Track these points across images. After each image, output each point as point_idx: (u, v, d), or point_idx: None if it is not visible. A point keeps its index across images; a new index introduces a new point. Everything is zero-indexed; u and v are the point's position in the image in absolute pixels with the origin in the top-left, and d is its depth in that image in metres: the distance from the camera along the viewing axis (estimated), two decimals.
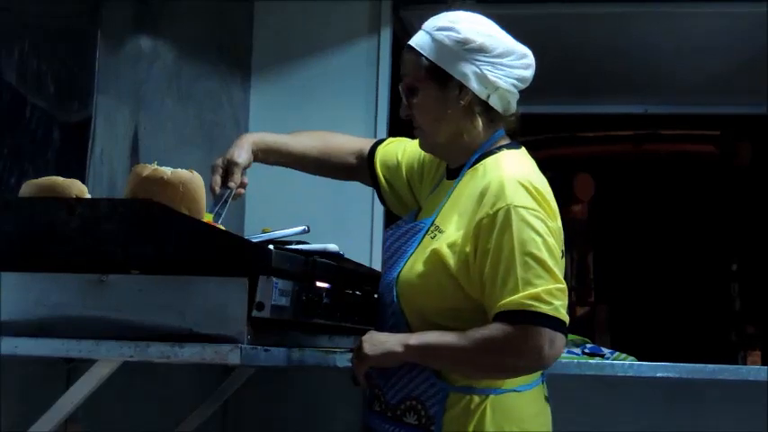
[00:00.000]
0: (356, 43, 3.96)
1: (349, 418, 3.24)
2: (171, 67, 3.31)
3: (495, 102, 2.13)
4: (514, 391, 2.07)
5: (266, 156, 2.49)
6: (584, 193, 6.40)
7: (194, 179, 2.16)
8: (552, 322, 1.96)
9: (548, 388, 2.22)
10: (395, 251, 2.18)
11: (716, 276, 6.14)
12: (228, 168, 2.42)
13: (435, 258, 2.06)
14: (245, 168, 2.43)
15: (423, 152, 2.31)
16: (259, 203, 3.84)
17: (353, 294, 2.40)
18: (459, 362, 2.04)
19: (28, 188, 2.14)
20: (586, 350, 3.36)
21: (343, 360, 2.37)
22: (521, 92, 2.20)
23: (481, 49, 2.10)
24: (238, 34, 3.94)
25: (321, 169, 2.55)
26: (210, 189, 2.41)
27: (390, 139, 2.48)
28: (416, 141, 2.30)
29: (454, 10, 2.18)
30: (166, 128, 3.31)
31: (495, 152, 2.15)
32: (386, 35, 3.90)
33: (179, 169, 2.16)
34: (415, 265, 2.10)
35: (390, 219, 2.83)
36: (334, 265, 2.32)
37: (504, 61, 2.12)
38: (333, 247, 2.36)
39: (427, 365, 2.08)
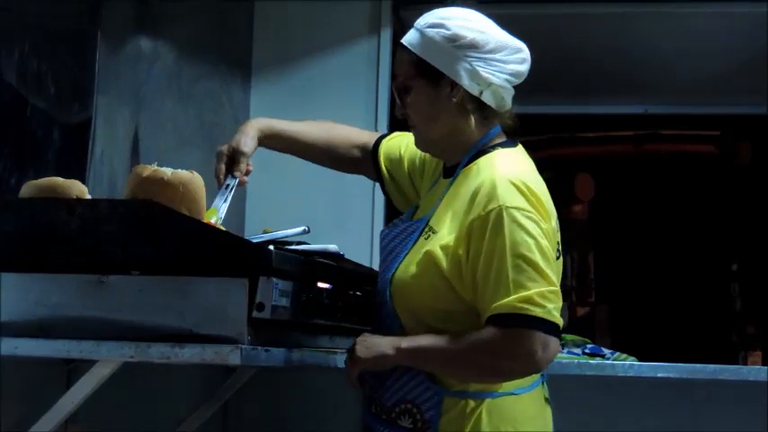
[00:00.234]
0: (356, 43, 3.96)
1: (349, 419, 3.23)
2: (171, 68, 3.31)
3: (488, 98, 2.10)
4: (511, 394, 2.05)
5: (272, 142, 2.47)
6: (585, 193, 6.40)
7: (194, 180, 2.16)
8: (545, 325, 1.94)
9: (548, 388, 2.22)
10: (390, 251, 2.17)
11: (716, 276, 6.13)
12: (234, 156, 2.40)
13: (428, 260, 2.05)
14: (249, 156, 2.41)
15: None
16: (260, 204, 3.84)
17: (354, 295, 2.40)
18: (452, 365, 2.04)
19: (28, 189, 2.14)
20: (587, 350, 3.36)
21: (343, 361, 2.37)
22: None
23: (472, 46, 2.08)
24: (238, 35, 3.94)
25: (325, 160, 2.53)
26: (215, 176, 2.40)
27: (395, 133, 2.46)
28: None
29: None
30: (166, 128, 3.31)
31: (490, 151, 2.12)
32: (386, 35, 3.90)
33: (179, 170, 2.16)
34: (408, 266, 2.08)
35: (390, 219, 2.83)
36: (334, 265, 2.32)
37: (496, 56, 2.09)
38: (333, 247, 2.36)
39: (420, 369, 2.07)
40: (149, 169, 2.13)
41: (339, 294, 2.34)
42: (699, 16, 4.14)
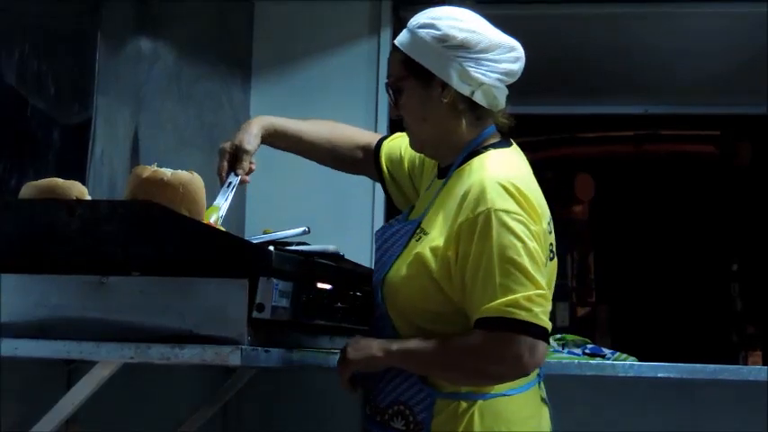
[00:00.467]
0: (356, 44, 3.96)
1: (349, 420, 3.23)
2: (171, 69, 3.31)
3: (479, 98, 2.08)
4: (504, 395, 2.04)
5: (275, 140, 2.46)
6: (585, 193, 6.40)
7: (194, 180, 2.16)
8: (532, 329, 1.93)
9: (548, 389, 2.21)
10: (384, 252, 2.17)
11: (716, 276, 6.13)
12: (237, 154, 2.39)
13: (418, 262, 2.04)
14: (252, 154, 2.41)
15: None
16: (260, 205, 3.84)
17: (354, 295, 2.40)
18: (440, 369, 2.04)
19: (28, 190, 2.14)
20: (587, 351, 3.36)
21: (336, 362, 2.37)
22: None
23: (462, 46, 2.06)
24: (238, 35, 3.94)
25: (328, 160, 2.52)
26: (217, 174, 2.40)
27: (397, 134, 2.45)
28: None
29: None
30: (166, 129, 3.31)
31: (483, 151, 2.11)
32: (386, 36, 3.90)
33: (179, 171, 2.16)
34: (400, 267, 2.08)
35: (390, 219, 2.83)
36: (334, 266, 2.32)
37: (487, 56, 2.07)
38: (333, 247, 2.36)
39: (410, 371, 2.07)
40: (149, 170, 2.13)
41: (339, 295, 2.34)
42: (699, 16, 4.14)
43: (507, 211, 1.97)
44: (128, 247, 1.94)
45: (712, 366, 3.13)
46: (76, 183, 2.16)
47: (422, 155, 2.31)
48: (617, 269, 6.31)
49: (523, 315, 1.92)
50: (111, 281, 1.92)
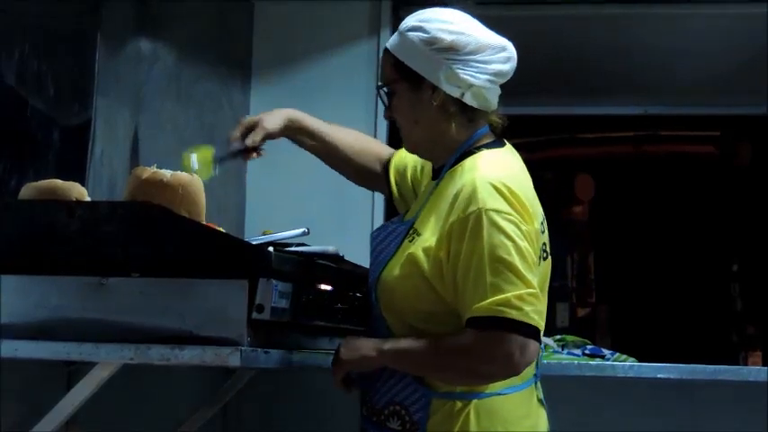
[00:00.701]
0: (356, 44, 3.96)
1: (349, 420, 3.23)
2: (171, 69, 3.31)
3: (469, 99, 2.09)
4: (499, 394, 2.05)
5: (298, 135, 2.45)
6: (585, 193, 6.40)
7: (194, 182, 2.16)
8: (523, 328, 1.93)
9: (548, 389, 2.21)
10: (378, 253, 2.17)
11: (716, 277, 6.13)
12: (253, 127, 2.38)
13: (411, 262, 2.05)
14: (269, 135, 2.39)
15: None
16: (259, 206, 3.84)
17: (353, 296, 2.40)
18: (432, 368, 2.04)
19: (28, 191, 2.14)
20: (587, 351, 3.36)
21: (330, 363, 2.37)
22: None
23: (450, 48, 2.06)
24: (238, 36, 3.94)
25: (346, 167, 2.51)
26: (229, 139, 2.38)
27: None
28: None
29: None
30: (166, 130, 3.31)
31: (475, 152, 2.11)
32: (386, 36, 3.90)
33: (179, 172, 2.16)
34: (393, 268, 2.09)
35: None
36: (333, 267, 2.33)
37: (476, 57, 2.07)
38: (332, 249, 2.36)
39: (403, 371, 2.07)
40: (149, 171, 2.13)
41: (339, 296, 2.34)
42: (698, 17, 4.14)
43: (498, 211, 1.97)
44: (127, 248, 1.94)
45: (712, 367, 3.13)
46: (76, 184, 2.17)
47: (422, 161, 2.31)
48: (617, 270, 6.30)
49: (514, 314, 1.92)
50: (110, 282, 1.92)
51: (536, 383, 2.16)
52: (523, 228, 1.98)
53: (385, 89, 2.16)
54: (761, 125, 5.12)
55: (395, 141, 2.57)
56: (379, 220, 3.82)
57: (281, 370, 2.62)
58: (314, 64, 3.99)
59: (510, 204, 1.99)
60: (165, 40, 3.27)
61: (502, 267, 1.94)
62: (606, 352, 3.34)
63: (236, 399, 3.15)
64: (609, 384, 3.26)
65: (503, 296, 1.93)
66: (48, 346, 1.91)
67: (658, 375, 3.12)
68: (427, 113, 2.11)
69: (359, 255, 2.55)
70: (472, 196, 1.99)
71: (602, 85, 4.86)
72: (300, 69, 4.00)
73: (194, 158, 2.31)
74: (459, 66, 2.07)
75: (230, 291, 1.89)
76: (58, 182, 2.16)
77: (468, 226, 1.97)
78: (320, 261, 2.28)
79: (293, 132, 2.44)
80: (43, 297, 1.94)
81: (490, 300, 1.93)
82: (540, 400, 2.17)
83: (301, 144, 2.49)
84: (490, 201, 1.98)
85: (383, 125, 3.86)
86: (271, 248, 2.13)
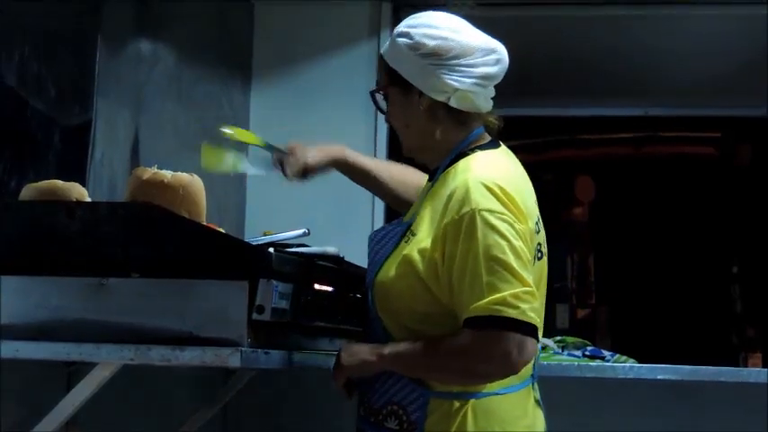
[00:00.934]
0: (356, 46, 3.96)
1: (349, 421, 3.24)
2: (171, 70, 3.32)
3: (455, 103, 2.10)
4: (496, 394, 2.05)
5: (341, 169, 2.50)
6: (585, 195, 6.40)
7: (194, 182, 2.16)
8: (520, 327, 1.93)
9: (548, 391, 2.22)
10: (375, 254, 2.18)
11: (716, 278, 6.13)
12: (294, 154, 2.42)
13: (406, 263, 2.06)
14: (309, 170, 2.43)
15: None
16: (259, 207, 3.84)
17: (354, 297, 2.40)
18: (431, 370, 2.04)
19: (28, 191, 2.14)
20: (587, 353, 3.36)
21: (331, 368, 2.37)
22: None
23: (434, 53, 2.08)
24: (239, 37, 3.94)
25: (389, 198, 2.56)
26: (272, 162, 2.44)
27: None
28: None
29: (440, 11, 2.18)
30: (167, 131, 3.31)
31: (469, 153, 2.12)
32: (386, 38, 3.88)
33: (179, 172, 2.16)
34: (388, 269, 2.09)
35: (390, 221, 2.84)
36: (334, 267, 2.33)
37: (461, 62, 2.08)
38: (333, 249, 2.36)
39: (403, 374, 2.07)
40: (149, 172, 2.14)
41: (339, 297, 2.34)
42: (698, 18, 4.14)
43: (491, 211, 1.98)
44: (128, 249, 1.94)
45: (712, 368, 3.13)
46: (76, 184, 2.17)
47: None
48: (617, 271, 6.30)
49: (511, 312, 1.93)
50: (111, 282, 1.92)
51: (533, 384, 2.16)
52: (517, 227, 1.99)
53: (381, 94, 2.19)
54: (761, 126, 5.12)
55: (395, 143, 2.57)
56: (379, 221, 3.83)
57: (281, 371, 2.62)
58: (314, 65, 4.00)
59: (503, 204, 1.99)
60: (166, 41, 3.27)
61: (497, 266, 1.94)
62: (606, 353, 3.35)
63: (236, 399, 3.15)
64: (609, 386, 3.26)
65: (499, 295, 1.93)
66: (48, 347, 1.91)
67: (658, 377, 3.12)
68: (416, 117, 2.13)
69: (359, 255, 2.55)
70: (465, 197, 2.00)
71: (602, 86, 4.87)
72: (301, 70, 4.00)
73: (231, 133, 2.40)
74: (443, 70, 2.08)
75: (231, 291, 1.89)
76: (59, 182, 2.16)
77: (463, 227, 1.98)
78: (320, 262, 2.28)
79: (337, 166, 2.49)
80: (43, 298, 1.94)
81: (487, 299, 1.93)
82: (537, 401, 2.17)
83: (346, 175, 2.53)
84: (483, 201, 1.99)
85: (383, 127, 3.87)
86: (271, 249, 2.13)
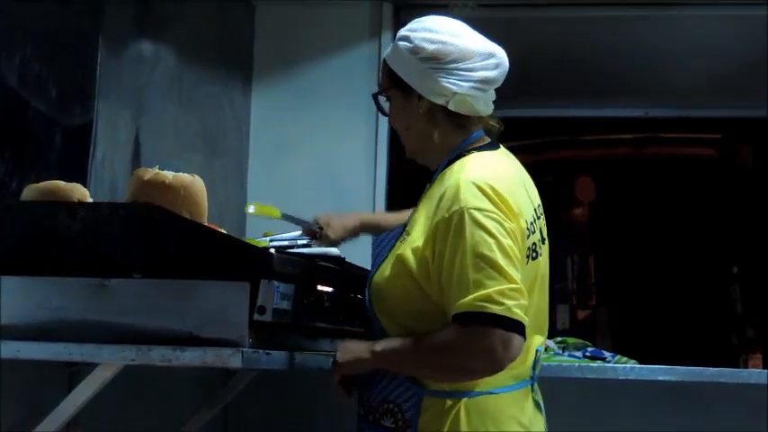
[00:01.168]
0: (357, 47, 3.96)
1: (350, 422, 3.24)
2: (172, 71, 3.32)
3: (454, 107, 2.13)
4: (490, 393, 2.06)
5: (366, 232, 2.74)
6: (585, 195, 6.40)
7: (196, 183, 2.17)
8: (506, 323, 1.94)
9: (548, 392, 2.22)
10: (376, 256, 2.20)
11: (717, 279, 6.13)
12: (321, 228, 2.68)
13: (400, 262, 2.08)
14: (332, 243, 2.64)
15: None
16: None
17: (354, 298, 2.40)
18: (418, 365, 2.06)
19: (30, 192, 2.15)
20: (588, 353, 3.36)
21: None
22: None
23: (433, 58, 2.11)
24: (240, 38, 3.94)
25: None
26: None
27: None
28: None
29: (440, 14, 2.21)
30: (168, 132, 3.31)
31: (465, 155, 2.14)
32: (386, 39, 3.91)
33: (180, 173, 2.16)
34: (384, 269, 2.12)
35: None
36: (335, 268, 2.33)
37: (459, 66, 2.11)
38: (334, 250, 2.37)
39: (396, 371, 2.09)
40: (151, 172, 2.14)
41: (340, 297, 2.35)
42: (699, 19, 4.14)
43: (480, 209, 2.00)
44: (129, 250, 1.94)
45: (713, 369, 3.13)
46: (78, 185, 2.17)
47: None
48: (617, 272, 6.30)
49: (495, 309, 1.94)
50: (112, 283, 1.93)
51: (533, 386, 2.17)
52: (507, 225, 2.00)
53: (383, 96, 2.21)
54: (761, 127, 5.12)
55: (395, 144, 2.58)
56: None
57: (282, 371, 2.61)
58: (315, 66, 4.00)
59: (493, 203, 2.01)
60: (167, 42, 3.27)
61: (484, 264, 1.96)
62: (607, 354, 3.35)
63: (237, 399, 3.15)
64: (609, 387, 3.26)
65: (484, 292, 1.94)
66: (49, 347, 1.91)
67: (659, 378, 3.12)
68: (416, 120, 2.16)
69: (360, 257, 2.55)
70: (455, 196, 2.02)
71: (602, 87, 4.87)
72: (301, 71, 4.00)
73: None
74: (441, 74, 2.11)
75: (232, 292, 1.90)
76: (60, 183, 2.16)
77: (452, 225, 2.00)
78: (322, 263, 2.29)
79: (356, 232, 2.74)
80: (45, 298, 1.95)
81: (472, 296, 1.94)
82: (536, 404, 2.17)
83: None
84: (472, 200, 2.00)
85: (384, 127, 3.87)
86: (272, 250, 2.13)
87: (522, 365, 2.09)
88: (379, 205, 3.87)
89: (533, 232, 2.11)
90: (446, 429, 2.03)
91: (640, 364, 3.26)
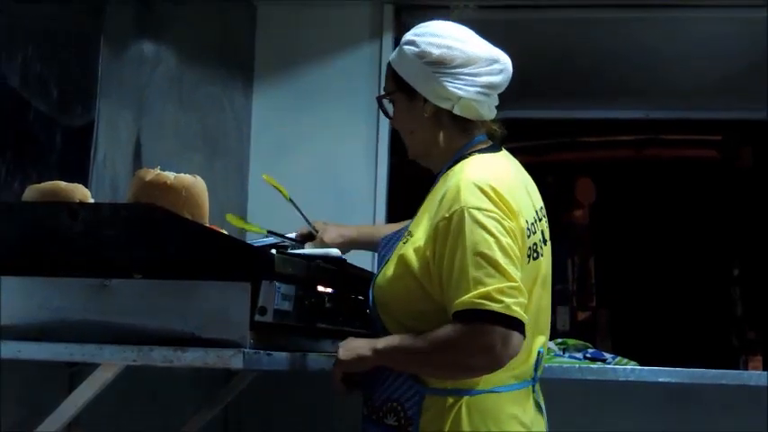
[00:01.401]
0: (358, 48, 3.96)
1: (351, 423, 3.24)
2: (173, 72, 3.32)
3: (459, 111, 2.15)
4: (491, 392, 2.07)
5: (354, 245, 2.74)
6: (586, 197, 6.40)
7: (197, 184, 2.17)
8: (505, 321, 1.96)
9: (549, 393, 2.22)
10: (382, 257, 2.23)
11: (717, 281, 6.13)
12: (315, 234, 2.70)
13: (403, 263, 2.10)
14: (320, 241, 2.68)
15: None
16: (261, 208, 3.84)
17: (356, 299, 2.40)
18: (419, 363, 2.07)
19: (31, 193, 2.15)
20: (588, 355, 3.36)
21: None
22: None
23: (439, 62, 2.13)
24: (240, 39, 3.94)
25: None
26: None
27: None
28: None
29: (439, 19, 2.23)
30: (169, 132, 3.31)
31: (468, 157, 2.17)
32: (387, 40, 3.91)
33: (182, 174, 2.16)
34: (387, 269, 2.14)
35: (391, 223, 2.85)
36: (336, 269, 2.33)
37: (464, 71, 2.13)
38: (334, 251, 2.37)
39: (397, 369, 2.10)
40: (152, 173, 2.14)
41: (341, 298, 2.35)
42: (700, 21, 4.14)
43: (479, 209, 2.02)
44: (130, 250, 1.94)
45: (713, 371, 3.13)
46: (79, 185, 2.17)
47: None
48: (618, 273, 6.31)
49: (494, 306, 1.95)
50: (113, 283, 1.93)
51: (534, 387, 2.17)
52: (506, 224, 2.03)
53: (388, 99, 2.23)
54: (762, 129, 5.12)
55: (396, 144, 2.58)
56: (380, 223, 3.82)
57: (283, 372, 2.61)
58: (316, 67, 4.00)
59: (493, 202, 2.03)
60: (168, 42, 3.27)
61: (483, 262, 1.98)
62: (607, 356, 3.35)
63: (238, 400, 3.15)
64: (610, 388, 3.26)
65: (483, 289, 1.96)
66: (50, 348, 1.91)
67: (659, 379, 3.12)
68: (421, 123, 2.19)
69: (361, 257, 2.56)
70: (456, 197, 2.04)
71: (603, 89, 4.87)
72: (302, 72, 4.00)
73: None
74: (447, 79, 2.13)
75: (233, 293, 1.90)
76: (61, 183, 2.16)
77: (452, 225, 2.02)
78: (323, 264, 2.29)
79: (350, 245, 2.72)
80: (46, 298, 1.95)
81: (472, 293, 1.96)
82: (538, 405, 2.18)
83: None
84: (472, 199, 2.03)
85: (385, 128, 3.87)
86: (273, 251, 2.14)
87: (523, 365, 2.10)
88: (380, 206, 3.87)
89: (534, 233, 2.13)
90: (447, 427, 2.05)
91: (641, 365, 3.26)
